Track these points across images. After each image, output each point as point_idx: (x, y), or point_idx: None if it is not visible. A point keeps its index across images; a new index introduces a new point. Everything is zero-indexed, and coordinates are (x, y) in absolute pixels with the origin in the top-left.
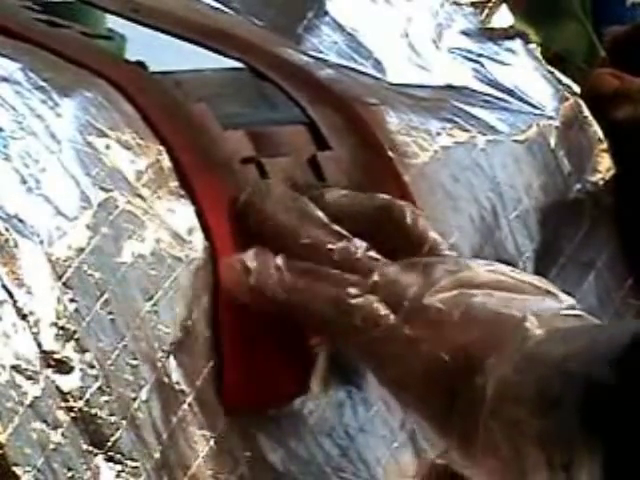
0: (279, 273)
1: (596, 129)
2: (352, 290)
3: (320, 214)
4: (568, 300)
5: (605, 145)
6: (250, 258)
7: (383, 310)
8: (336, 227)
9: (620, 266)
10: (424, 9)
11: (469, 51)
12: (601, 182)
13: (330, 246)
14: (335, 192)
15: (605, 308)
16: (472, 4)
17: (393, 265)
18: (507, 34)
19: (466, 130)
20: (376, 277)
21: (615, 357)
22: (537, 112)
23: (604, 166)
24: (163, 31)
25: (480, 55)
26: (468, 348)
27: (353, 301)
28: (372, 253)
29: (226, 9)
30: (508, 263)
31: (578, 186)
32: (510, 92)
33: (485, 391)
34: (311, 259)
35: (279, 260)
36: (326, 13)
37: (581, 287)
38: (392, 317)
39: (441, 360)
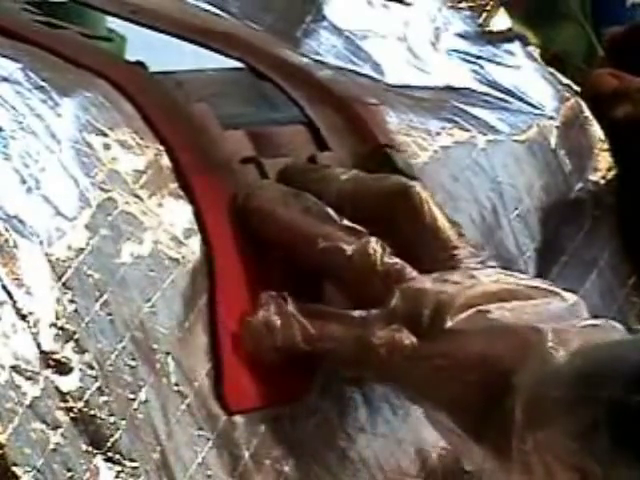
0: (302, 326)
1: (596, 128)
2: (374, 328)
3: (327, 210)
4: (572, 298)
5: (606, 144)
6: (273, 315)
7: (406, 339)
8: (347, 222)
9: (622, 264)
10: (421, 13)
11: (467, 53)
12: (602, 181)
13: (348, 252)
14: (337, 175)
15: (608, 306)
16: (470, 8)
17: (410, 281)
18: (505, 36)
19: (466, 130)
20: (395, 300)
21: (630, 384)
22: (537, 112)
23: (605, 165)
24: (162, 31)
25: (479, 57)
26: (492, 369)
27: (376, 339)
28: (389, 259)
29: (224, 14)
30: (509, 263)
31: (579, 185)
32: (510, 92)
33: (514, 414)
34: (328, 265)
35: (291, 307)
36: (324, 17)
37: (583, 286)
38: (415, 343)
39: (468, 383)
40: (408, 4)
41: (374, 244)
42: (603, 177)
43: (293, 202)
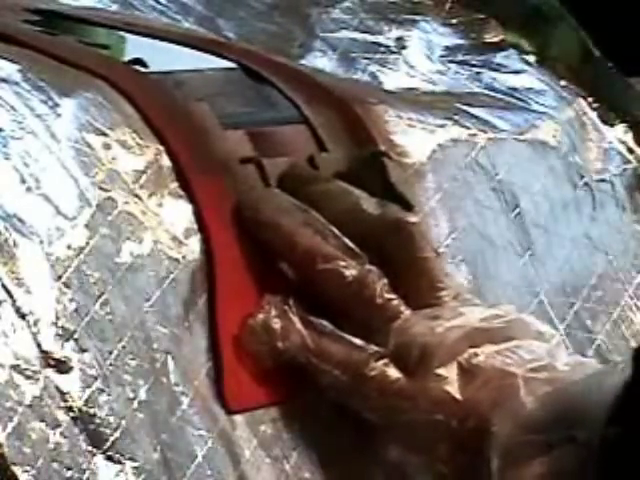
0: (301, 336)
1: (597, 127)
2: (371, 360)
3: (331, 227)
4: (552, 337)
5: (605, 144)
6: (273, 318)
7: (394, 374)
8: (348, 242)
9: (625, 261)
10: (414, 29)
11: (464, 62)
12: (602, 180)
13: (348, 278)
14: (339, 194)
15: (610, 303)
16: (462, 23)
17: (403, 319)
18: (500, 46)
19: (466, 129)
20: (392, 344)
21: (608, 418)
22: (538, 111)
23: (607, 164)
24: (159, 38)
25: (475, 65)
26: (471, 416)
27: (369, 371)
28: (387, 293)
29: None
30: (508, 263)
31: (580, 184)
32: (509, 94)
33: (491, 462)
34: (326, 286)
35: (293, 314)
36: (317, 36)
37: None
38: (403, 380)
39: (446, 427)
40: (401, 22)
41: (374, 275)
42: (606, 173)
43: (297, 215)
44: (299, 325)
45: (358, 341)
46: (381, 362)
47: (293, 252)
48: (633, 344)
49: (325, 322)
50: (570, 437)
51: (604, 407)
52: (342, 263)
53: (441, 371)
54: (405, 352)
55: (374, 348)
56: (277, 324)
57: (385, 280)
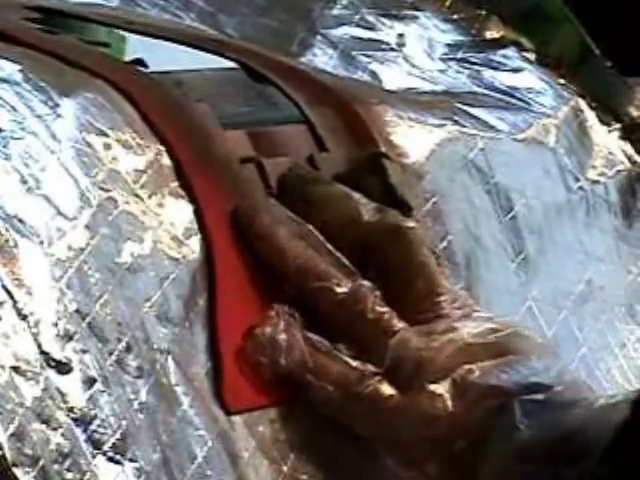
0: (301, 353)
1: (595, 128)
2: (365, 379)
3: (325, 244)
4: (549, 350)
5: (602, 145)
6: (280, 333)
7: (388, 390)
8: (342, 258)
9: (621, 259)
10: (415, 26)
11: (464, 60)
12: (600, 180)
13: (340, 295)
14: (338, 197)
15: (610, 300)
16: (463, 19)
17: (396, 332)
18: (500, 43)
19: (465, 129)
20: (387, 360)
21: (603, 449)
22: (536, 111)
23: (603, 165)
24: (160, 37)
25: (475, 63)
26: (464, 435)
27: (364, 389)
28: (379, 307)
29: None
30: (503, 265)
31: (578, 184)
32: (508, 93)
33: None
34: (319, 303)
35: (299, 334)
36: (317, 32)
37: (581, 282)
38: (397, 399)
39: (440, 444)
40: (402, 18)
41: (366, 289)
42: (601, 175)
43: (292, 228)
44: (301, 342)
45: (354, 362)
46: (375, 379)
47: (286, 268)
48: (618, 354)
49: (323, 340)
50: (560, 474)
51: (598, 446)
52: (334, 281)
53: (434, 387)
54: (399, 367)
55: (370, 368)
56: (283, 339)
57: (377, 293)
